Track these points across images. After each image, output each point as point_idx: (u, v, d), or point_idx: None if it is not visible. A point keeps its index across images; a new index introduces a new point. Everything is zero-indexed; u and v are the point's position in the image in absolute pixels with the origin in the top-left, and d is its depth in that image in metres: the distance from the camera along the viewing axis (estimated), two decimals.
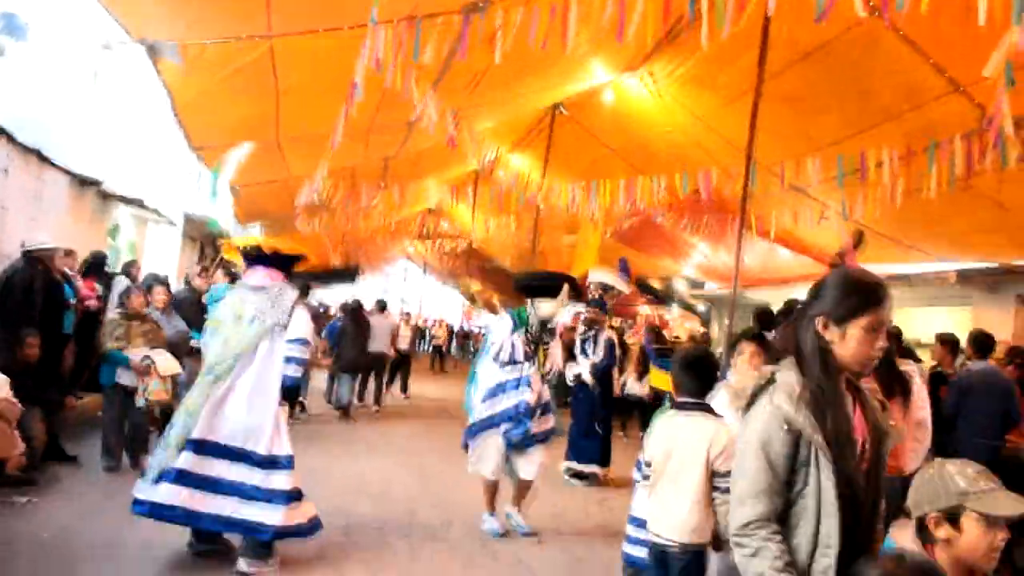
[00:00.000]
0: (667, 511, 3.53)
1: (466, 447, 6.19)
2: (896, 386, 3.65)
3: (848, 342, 2.12)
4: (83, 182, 9.47)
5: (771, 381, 2.24)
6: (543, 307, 6.20)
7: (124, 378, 6.86)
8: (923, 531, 2.22)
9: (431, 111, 7.50)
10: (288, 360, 4.82)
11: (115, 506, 5.57)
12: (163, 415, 6.83)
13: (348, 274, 26.41)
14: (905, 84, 7.57)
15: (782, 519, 2.16)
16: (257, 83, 7.62)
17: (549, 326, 6.32)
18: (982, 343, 7.00)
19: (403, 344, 15.19)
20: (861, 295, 2.14)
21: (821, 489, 2.08)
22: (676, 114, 10.80)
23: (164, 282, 8.16)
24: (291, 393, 5.23)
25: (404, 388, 15.64)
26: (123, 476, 6.46)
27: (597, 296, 8.37)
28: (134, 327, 6.93)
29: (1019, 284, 10.73)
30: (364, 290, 25.51)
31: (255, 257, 5.18)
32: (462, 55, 6.14)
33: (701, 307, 19.34)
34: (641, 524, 4.81)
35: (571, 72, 10.42)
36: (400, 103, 9.03)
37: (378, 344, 12.55)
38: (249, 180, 11.74)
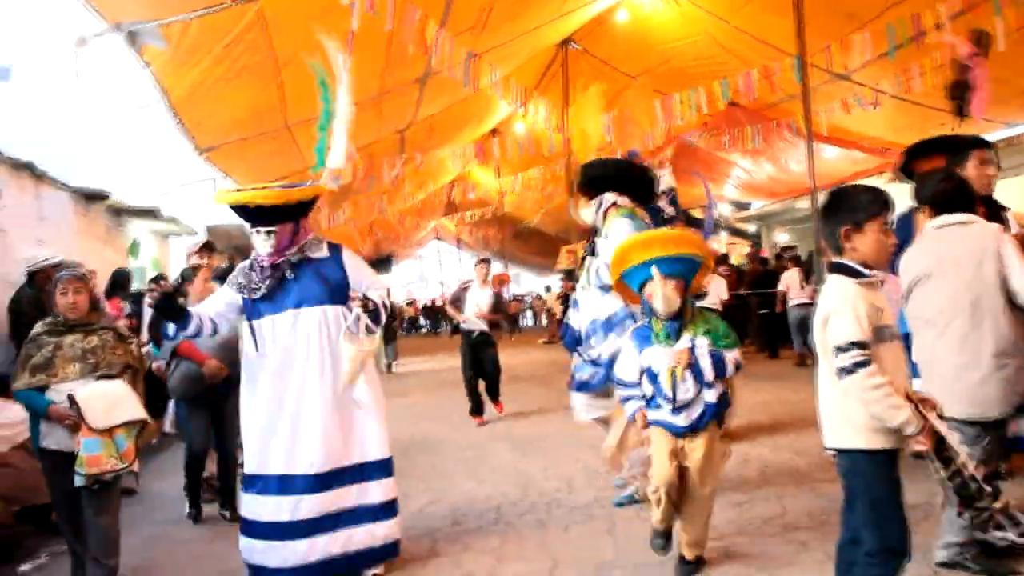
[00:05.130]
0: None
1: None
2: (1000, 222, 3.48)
3: None
4: (88, 197, 8.85)
5: None
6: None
7: (50, 439, 3.62)
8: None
9: (445, 51, 6.86)
10: None
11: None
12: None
13: (381, 264, 26.01)
14: None
15: None
16: (253, 58, 7.04)
17: None
18: None
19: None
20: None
21: None
22: (698, 20, 10.04)
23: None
24: None
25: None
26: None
27: None
28: (67, 345, 3.69)
29: None
30: (399, 277, 25.05)
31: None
32: None
33: (751, 228, 18.54)
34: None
35: None
36: (408, 59, 8.39)
37: None
38: (263, 177, 11.19)
